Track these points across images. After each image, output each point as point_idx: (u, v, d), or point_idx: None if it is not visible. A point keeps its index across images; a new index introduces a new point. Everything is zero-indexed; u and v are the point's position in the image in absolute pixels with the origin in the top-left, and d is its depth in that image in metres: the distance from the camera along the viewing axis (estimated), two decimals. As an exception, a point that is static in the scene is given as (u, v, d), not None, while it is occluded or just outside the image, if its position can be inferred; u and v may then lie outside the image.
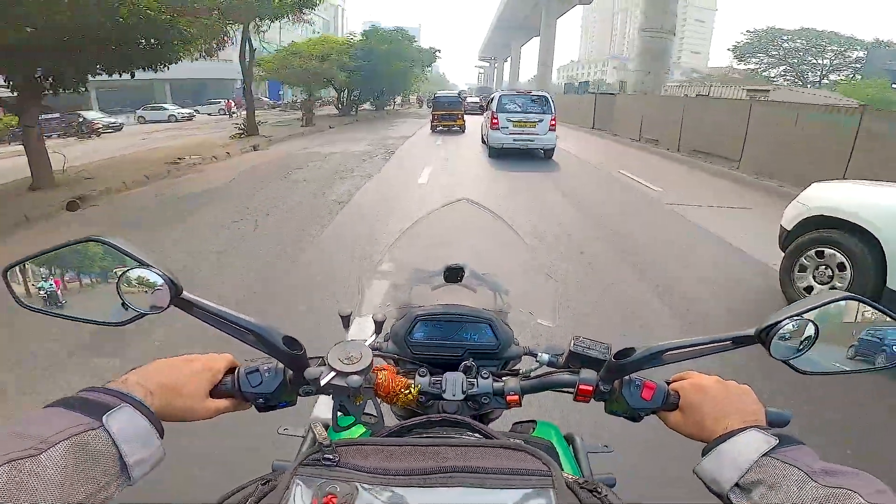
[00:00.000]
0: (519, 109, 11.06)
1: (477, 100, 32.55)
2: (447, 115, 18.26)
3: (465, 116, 18.99)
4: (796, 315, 0.53)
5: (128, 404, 0.44)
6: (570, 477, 0.46)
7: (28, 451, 0.35)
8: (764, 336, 0.54)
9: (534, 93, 11.79)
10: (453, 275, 0.87)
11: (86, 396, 0.44)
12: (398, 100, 42.91)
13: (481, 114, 29.48)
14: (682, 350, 0.59)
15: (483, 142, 13.26)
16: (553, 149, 11.06)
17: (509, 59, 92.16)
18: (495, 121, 10.95)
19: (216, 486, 0.48)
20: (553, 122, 10.97)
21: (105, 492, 0.40)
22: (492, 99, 12.09)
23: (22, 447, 0.36)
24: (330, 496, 0.39)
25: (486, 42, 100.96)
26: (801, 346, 0.54)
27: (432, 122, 18.59)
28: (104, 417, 0.42)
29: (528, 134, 10.85)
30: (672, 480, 1.36)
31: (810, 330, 0.54)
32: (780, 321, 0.53)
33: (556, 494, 0.40)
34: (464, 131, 18.12)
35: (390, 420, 0.63)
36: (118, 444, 0.41)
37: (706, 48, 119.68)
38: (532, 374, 0.68)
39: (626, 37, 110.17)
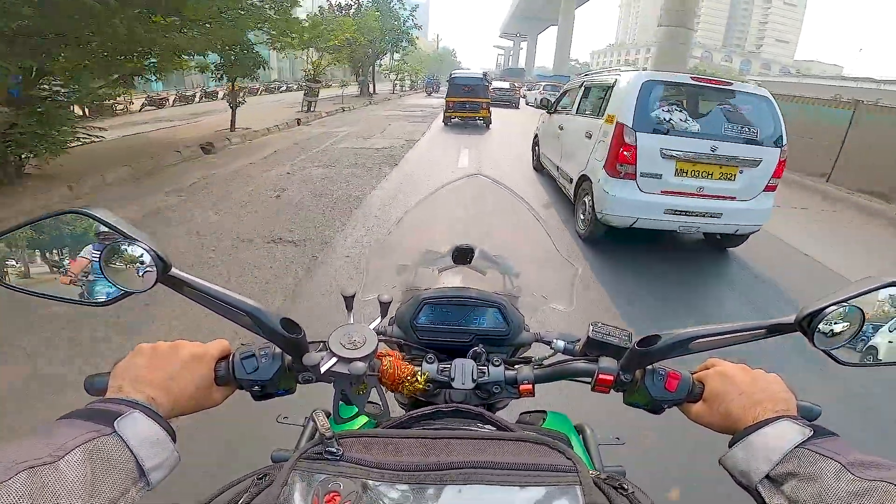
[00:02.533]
0: (698, 131, 3.96)
1: (505, 85, 25.08)
2: (466, 104, 13.15)
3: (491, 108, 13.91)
4: (842, 301, 0.50)
5: (135, 410, 0.44)
6: (592, 472, 0.43)
7: (45, 459, 0.35)
8: (805, 324, 0.51)
9: (739, 88, 4.09)
10: (462, 255, 0.84)
11: (93, 408, 0.44)
12: (394, 80, 35.52)
13: (510, 105, 23.51)
14: (712, 338, 0.56)
15: (536, 168, 7.79)
16: (746, 235, 4.35)
17: (542, 33, 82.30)
18: (625, 155, 3.90)
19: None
20: (779, 170, 4.13)
21: (126, 497, 0.39)
22: (607, 90, 4.44)
23: (38, 455, 0.35)
24: (332, 494, 0.37)
25: (513, 11, 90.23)
26: (846, 336, 0.51)
27: (445, 111, 13.62)
28: (115, 423, 0.42)
29: (710, 199, 4.04)
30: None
31: (856, 318, 0.51)
32: (825, 308, 0.50)
33: (584, 492, 0.38)
34: (488, 127, 13.39)
35: (394, 408, 0.61)
36: (132, 449, 0.41)
37: (795, 36, 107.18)
38: (546, 362, 0.66)
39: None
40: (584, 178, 4.55)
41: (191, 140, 8.25)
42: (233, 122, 9.73)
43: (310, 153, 8.38)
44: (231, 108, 9.78)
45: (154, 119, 12.99)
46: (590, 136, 4.48)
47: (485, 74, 14.21)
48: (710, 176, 3.98)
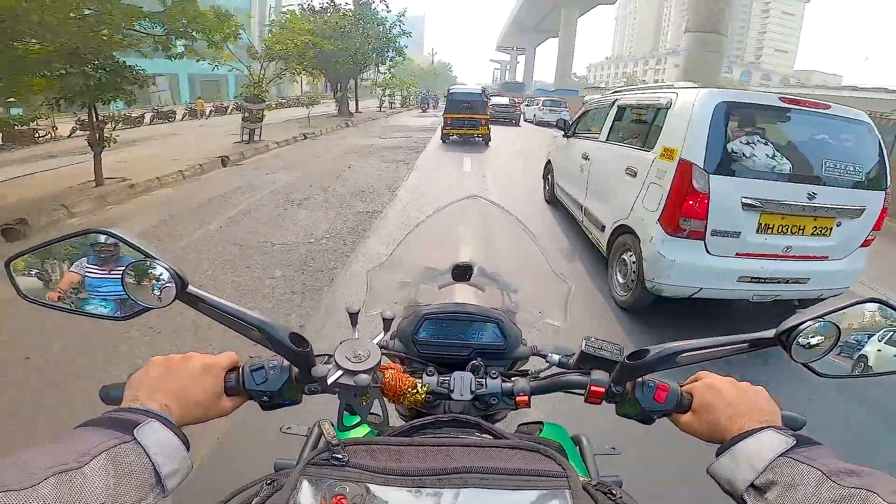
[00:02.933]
0: (790, 172, 2.82)
1: (505, 101, 22.95)
2: (465, 121, 12.76)
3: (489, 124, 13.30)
4: (818, 317, 0.53)
5: (152, 419, 0.45)
6: (583, 479, 0.45)
7: (71, 465, 0.36)
8: (784, 338, 0.54)
9: (838, 111, 2.91)
10: (461, 273, 0.87)
11: (111, 416, 0.45)
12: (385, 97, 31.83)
13: (511, 123, 22.29)
14: (698, 352, 0.58)
15: (549, 200, 6.64)
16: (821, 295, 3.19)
17: (541, 46, 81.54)
18: (692, 206, 2.80)
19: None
20: (881, 219, 3.06)
21: (144, 503, 0.40)
22: (657, 112, 3.33)
23: (66, 460, 0.37)
24: (339, 497, 0.39)
25: (511, 22, 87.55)
26: (822, 350, 0.55)
27: (443, 128, 13.15)
28: (135, 431, 0.43)
29: (798, 261, 2.96)
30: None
31: (832, 333, 0.54)
32: (802, 323, 0.53)
33: (573, 496, 0.40)
34: (487, 145, 13.12)
35: (395, 420, 0.64)
36: (151, 456, 0.42)
37: (794, 46, 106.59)
38: (541, 375, 0.69)
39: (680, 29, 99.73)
40: (623, 230, 3.47)
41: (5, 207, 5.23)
42: (97, 171, 6.41)
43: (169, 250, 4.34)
44: (92, 149, 6.37)
45: (63, 151, 10.13)
46: (634, 175, 3.41)
47: (483, 90, 13.71)
48: (801, 231, 2.93)
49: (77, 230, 0.53)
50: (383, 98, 31.47)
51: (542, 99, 24.87)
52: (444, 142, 13.16)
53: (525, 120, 24.74)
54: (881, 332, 0.57)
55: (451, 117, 12.84)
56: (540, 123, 22.64)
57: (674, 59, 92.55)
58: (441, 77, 65.31)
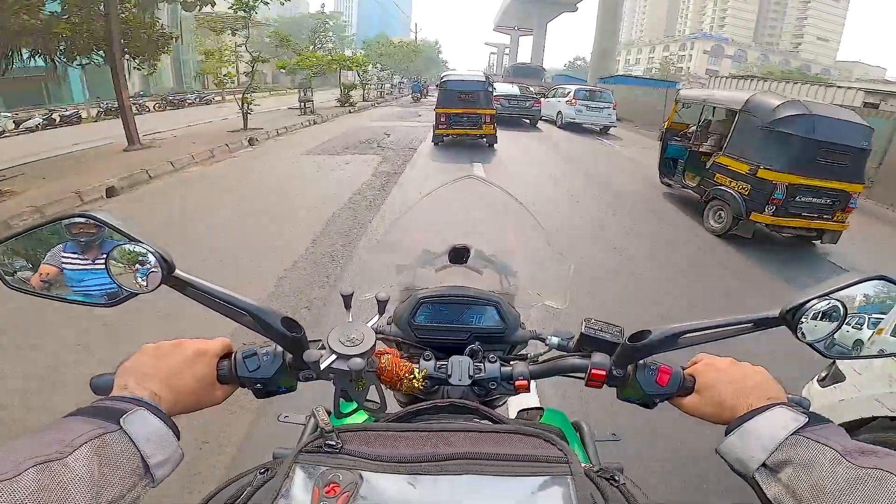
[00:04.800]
0: None
1: (514, 91, 15.33)
2: (464, 117, 9.73)
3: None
4: (824, 295, 0.52)
5: (141, 407, 0.45)
6: (585, 465, 0.45)
7: (53, 455, 0.36)
8: (790, 318, 0.53)
9: None
10: (458, 255, 0.86)
11: (99, 405, 0.44)
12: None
13: (530, 122, 15.34)
14: (700, 332, 0.58)
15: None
16: None
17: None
18: None
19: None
20: None
21: (132, 492, 0.40)
22: None
23: (48, 451, 0.36)
24: (332, 485, 0.38)
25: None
26: (829, 329, 0.53)
27: (435, 127, 10.03)
28: (121, 420, 0.42)
29: None
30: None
31: (838, 311, 0.52)
32: (809, 301, 0.52)
33: (574, 482, 0.40)
34: (492, 147, 10.19)
35: (393, 407, 0.62)
36: (138, 445, 0.42)
37: (837, 35, 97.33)
38: (541, 359, 0.68)
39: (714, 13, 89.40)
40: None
41: None
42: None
43: None
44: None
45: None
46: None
47: (487, 77, 10.39)
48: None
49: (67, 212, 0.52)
50: (344, 86, 22.41)
51: (575, 89, 15.33)
52: (436, 145, 10.37)
53: (542, 119, 16.05)
54: (888, 309, 0.55)
55: (445, 113, 9.84)
56: (569, 127, 14.73)
57: (703, 45, 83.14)
58: (425, 57, 52.91)
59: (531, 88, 18.05)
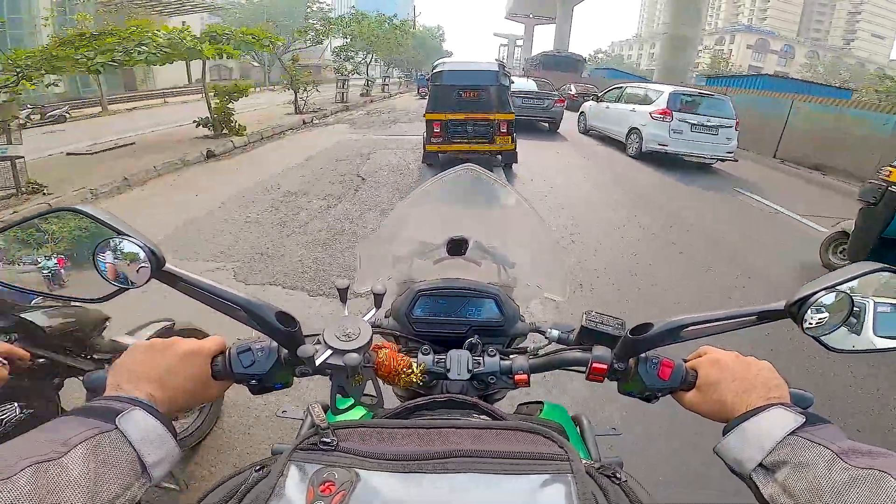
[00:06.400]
0: None
1: (531, 87, 11.87)
2: (467, 125, 6.73)
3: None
4: (830, 287, 0.50)
5: (136, 407, 0.45)
6: (586, 462, 0.44)
7: (49, 455, 0.36)
8: (795, 310, 0.52)
9: None
10: (456, 247, 0.85)
11: (93, 405, 0.44)
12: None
13: (550, 126, 12.00)
14: (703, 325, 0.57)
15: None
16: None
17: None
18: None
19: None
20: None
21: (129, 492, 0.40)
22: None
23: (44, 451, 0.36)
24: (327, 483, 0.38)
25: None
26: (834, 322, 0.52)
27: (427, 142, 6.91)
28: (117, 420, 0.42)
29: None
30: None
31: (844, 303, 0.51)
32: (815, 293, 0.51)
33: (575, 480, 0.39)
34: (510, 167, 7.33)
35: (390, 402, 0.62)
36: (134, 444, 0.42)
37: (893, 32, 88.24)
38: (541, 352, 0.67)
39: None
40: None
41: None
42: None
43: None
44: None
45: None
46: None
47: (502, 66, 7.00)
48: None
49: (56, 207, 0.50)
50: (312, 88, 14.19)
51: (670, 92, 8.55)
52: (428, 165, 7.18)
53: (587, 131, 11.55)
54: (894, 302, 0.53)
55: (440, 120, 6.67)
56: (646, 156, 8.84)
57: (745, 38, 75.70)
58: (425, 46, 42.47)
59: (576, 86, 15.12)
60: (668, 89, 8.82)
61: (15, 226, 0.52)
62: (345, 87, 17.27)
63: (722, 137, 8.28)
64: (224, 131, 9.25)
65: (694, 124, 8.19)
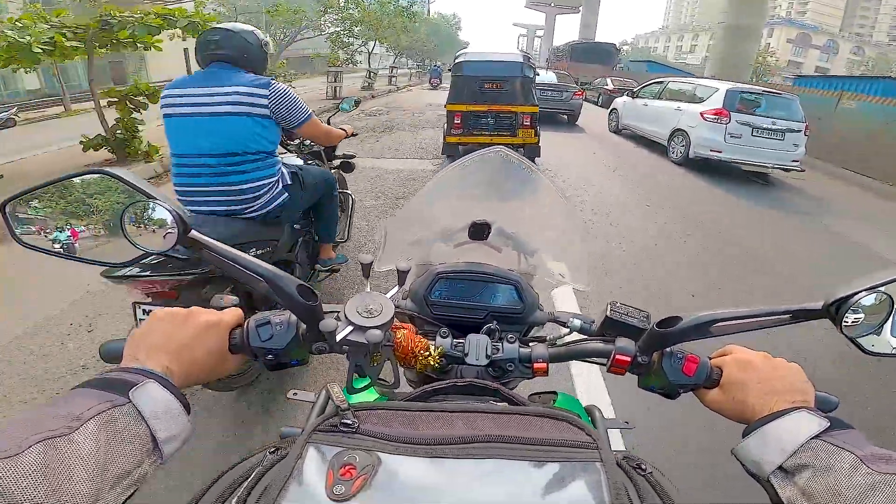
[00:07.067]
0: None
1: (550, 80, 11.64)
2: (489, 117, 6.39)
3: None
4: (872, 288, 0.48)
5: (150, 379, 0.43)
6: (614, 451, 0.44)
7: (60, 430, 0.35)
8: (833, 311, 0.50)
9: None
10: (479, 231, 0.84)
11: (107, 377, 0.43)
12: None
13: (570, 118, 11.82)
14: (734, 322, 0.54)
15: None
16: None
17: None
18: None
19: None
20: None
21: (140, 469, 0.39)
22: None
23: (54, 426, 0.36)
24: (348, 467, 0.37)
25: None
26: (874, 324, 0.50)
27: (447, 132, 6.60)
28: (130, 393, 0.41)
29: None
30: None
31: (885, 305, 0.49)
32: (854, 294, 0.49)
33: (605, 469, 0.38)
34: (533, 160, 5.96)
35: (402, 386, 0.61)
36: (147, 419, 0.41)
37: None
38: (560, 342, 0.66)
39: None
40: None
41: None
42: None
43: None
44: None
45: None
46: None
47: (527, 58, 6.63)
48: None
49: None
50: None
51: (727, 90, 7.18)
52: (445, 155, 6.98)
53: (619, 130, 10.47)
54: None
55: (462, 110, 6.37)
56: (691, 163, 7.66)
57: (785, 32, 71.88)
58: (436, 30, 39.04)
59: (608, 78, 14.71)
60: (723, 86, 7.49)
61: (42, 186, 0.52)
62: (338, 80, 14.39)
63: (788, 143, 6.99)
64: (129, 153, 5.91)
65: (757, 127, 6.89)
